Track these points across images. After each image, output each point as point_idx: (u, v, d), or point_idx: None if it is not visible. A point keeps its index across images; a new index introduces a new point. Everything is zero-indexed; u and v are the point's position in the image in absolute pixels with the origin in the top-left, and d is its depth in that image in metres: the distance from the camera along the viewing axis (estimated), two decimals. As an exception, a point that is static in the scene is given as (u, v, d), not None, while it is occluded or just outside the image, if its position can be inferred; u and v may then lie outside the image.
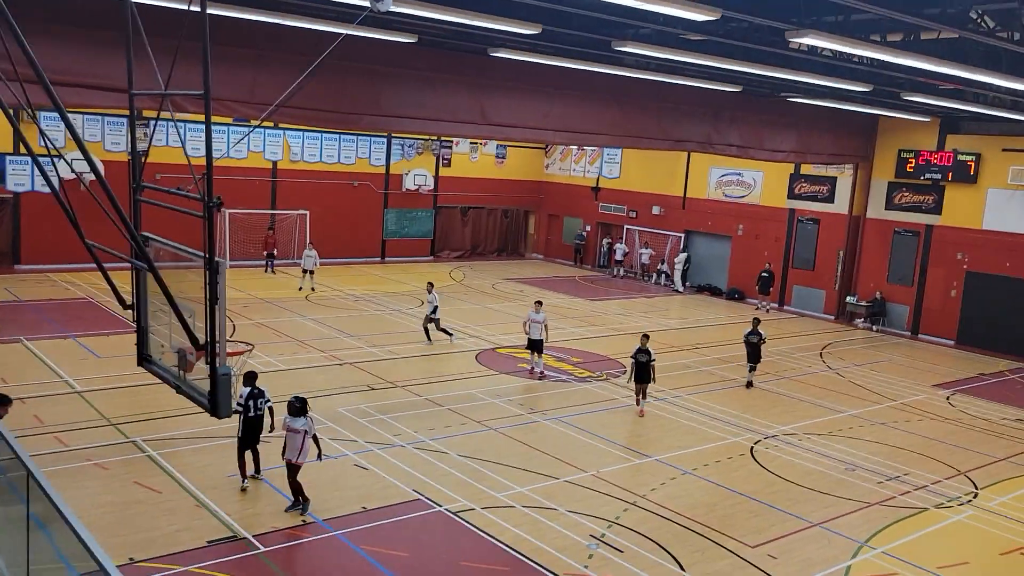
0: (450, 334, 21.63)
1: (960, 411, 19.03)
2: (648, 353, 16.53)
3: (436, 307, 21.15)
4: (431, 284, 21.76)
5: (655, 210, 35.54)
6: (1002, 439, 17.12)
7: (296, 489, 11.44)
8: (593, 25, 14.50)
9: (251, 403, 12.01)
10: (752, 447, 15.51)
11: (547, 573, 10.26)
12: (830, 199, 30.01)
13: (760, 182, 32.01)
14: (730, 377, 20.55)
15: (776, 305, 31.03)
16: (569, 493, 12.77)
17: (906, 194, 28.12)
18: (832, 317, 29.78)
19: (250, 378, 12.19)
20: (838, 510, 12.88)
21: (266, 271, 30.42)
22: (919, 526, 12.54)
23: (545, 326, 18.74)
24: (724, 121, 22.82)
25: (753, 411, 17.75)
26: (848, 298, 29.48)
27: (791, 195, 31.14)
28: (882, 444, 16.23)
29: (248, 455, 12.17)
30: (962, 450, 16.19)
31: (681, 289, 33.68)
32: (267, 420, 12.15)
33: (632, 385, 17.00)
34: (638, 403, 16.86)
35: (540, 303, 19.19)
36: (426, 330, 21.43)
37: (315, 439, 11.54)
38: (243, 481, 12.09)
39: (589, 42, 15.81)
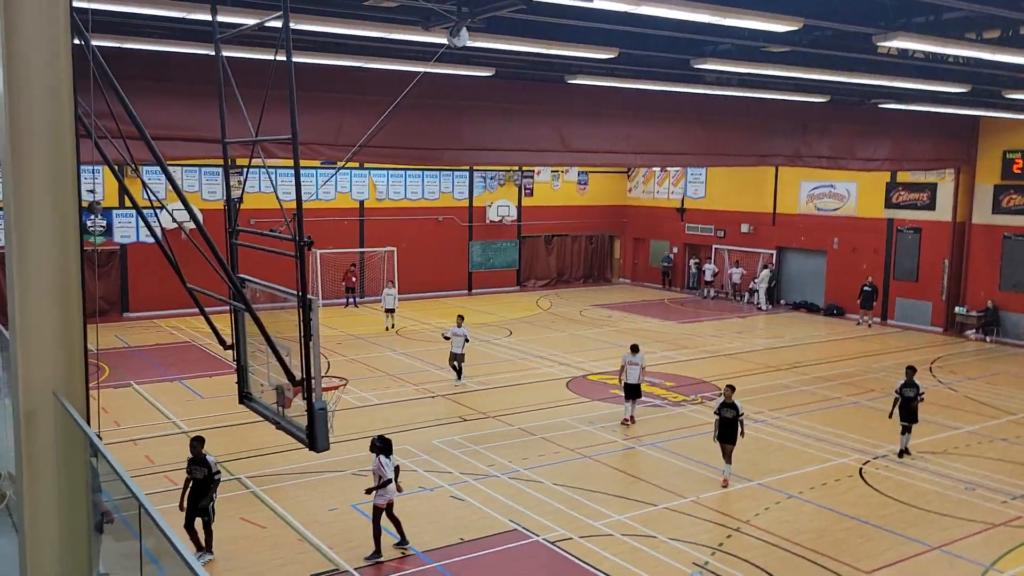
0: (459, 376, 20.20)
1: (1088, 424, 17.78)
2: (735, 408, 13.77)
3: (467, 340, 20.04)
4: (461, 317, 20.31)
5: (744, 228, 34.78)
6: None
7: (395, 525, 11.36)
8: (670, 44, 14.39)
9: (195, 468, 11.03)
10: (861, 468, 14.83)
11: (651, 604, 9.98)
12: (931, 206, 28.76)
13: (854, 193, 30.97)
14: (832, 396, 19.78)
15: (879, 320, 29.82)
16: (669, 520, 12.45)
17: (1014, 196, 26.72)
18: (940, 329, 28.41)
19: (197, 444, 11.24)
20: (959, 532, 12.14)
21: (346, 306, 31.07)
22: (1051, 548, 11.70)
23: (643, 370, 17.08)
24: (813, 132, 22.22)
25: (861, 431, 17.00)
26: (957, 309, 28.08)
27: (888, 204, 29.98)
28: (1004, 461, 15.28)
29: (198, 524, 11.01)
30: (1094, 465, 15.09)
31: (764, 307, 32.78)
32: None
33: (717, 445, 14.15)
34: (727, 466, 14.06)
35: (637, 347, 17.27)
36: (455, 368, 20.17)
37: (388, 481, 11.11)
38: (197, 554, 10.75)
39: (667, 62, 15.68)
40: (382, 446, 11.27)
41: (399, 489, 11.45)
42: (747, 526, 12.25)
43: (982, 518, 12.67)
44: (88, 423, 4.32)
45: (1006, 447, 16.12)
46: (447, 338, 20.39)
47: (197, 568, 3.01)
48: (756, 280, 33.40)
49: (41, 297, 4.26)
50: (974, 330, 27.36)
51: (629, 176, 40.01)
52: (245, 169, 22.93)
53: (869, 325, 29.10)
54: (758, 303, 33.07)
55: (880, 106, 22.08)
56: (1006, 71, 15.76)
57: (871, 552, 11.46)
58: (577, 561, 11.07)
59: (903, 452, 15.39)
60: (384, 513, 11.23)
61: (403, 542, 11.38)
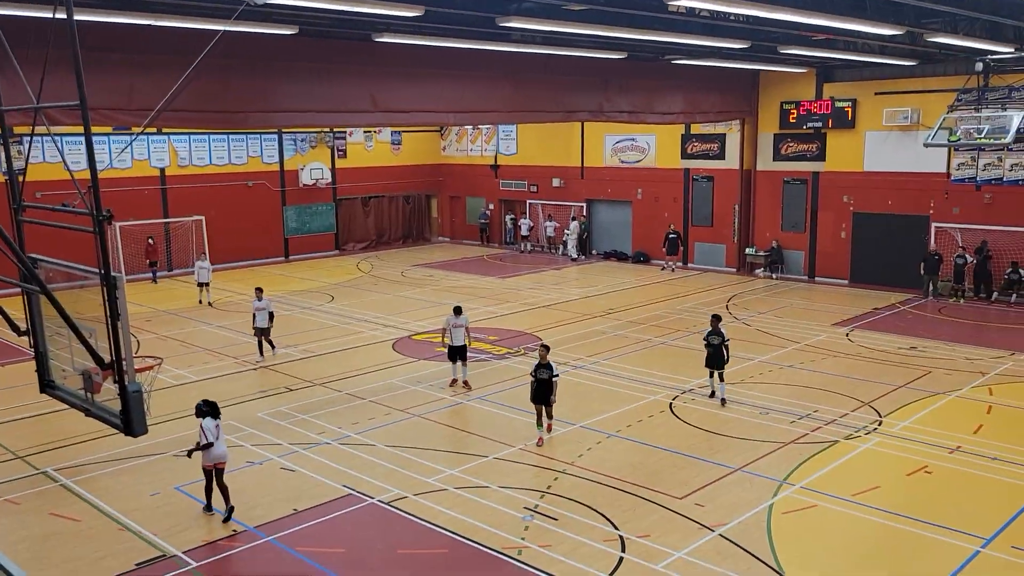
0: (265, 352, 19.39)
1: (859, 346, 20.05)
2: (550, 369, 13.89)
3: (272, 314, 19.08)
4: (260, 289, 19.40)
5: (555, 182, 35.91)
6: (899, 368, 18.13)
7: (223, 493, 11.38)
8: (476, 2, 14.51)
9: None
10: (671, 403, 15.99)
11: (485, 549, 10.39)
12: (721, 156, 30.93)
13: (654, 145, 32.71)
14: (643, 338, 21.07)
15: (680, 264, 31.89)
16: (499, 470, 12.92)
17: (791, 144, 29.23)
18: (734, 270, 30.82)
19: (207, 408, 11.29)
20: (756, 453, 13.44)
21: (154, 280, 29.44)
22: (832, 458, 13.21)
23: (467, 331, 17.01)
24: (614, 89, 23.22)
25: (668, 368, 18.27)
26: (747, 250, 30.54)
27: (684, 155, 31.94)
28: (791, 385, 16.98)
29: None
30: (865, 382, 17.08)
31: (576, 256, 34.21)
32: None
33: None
34: (539, 426, 14.16)
35: (460, 309, 17.19)
36: (259, 344, 19.21)
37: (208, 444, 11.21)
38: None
39: (474, 20, 15.81)
40: (208, 410, 11.21)
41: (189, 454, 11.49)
42: (572, 467, 12.95)
43: (775, 438, 14.08)
44: None
45: (792, 372, 17.90)
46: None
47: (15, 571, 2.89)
48: (568, 230, 34.70)
49: None
50: (762, 268, 29.92)
51: (442, 135, 40.09)
52: (27, 138, 20.96)
53: (672, 270, 31.07)
54: (568, 253, 34.41)
55: (673, 62, 23.39)
56: (780, 28, 17.13)
57: (683, 480, 12.46)
58: (413, 519, 11.30)
59: (719, 399, 15.79)
60: (215, 478, 11.26)
61: (228, 516, 11.25)
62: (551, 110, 22.10)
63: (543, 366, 13.88)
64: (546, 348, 14.23)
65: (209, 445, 11.12)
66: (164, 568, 10.05)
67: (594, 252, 35.02)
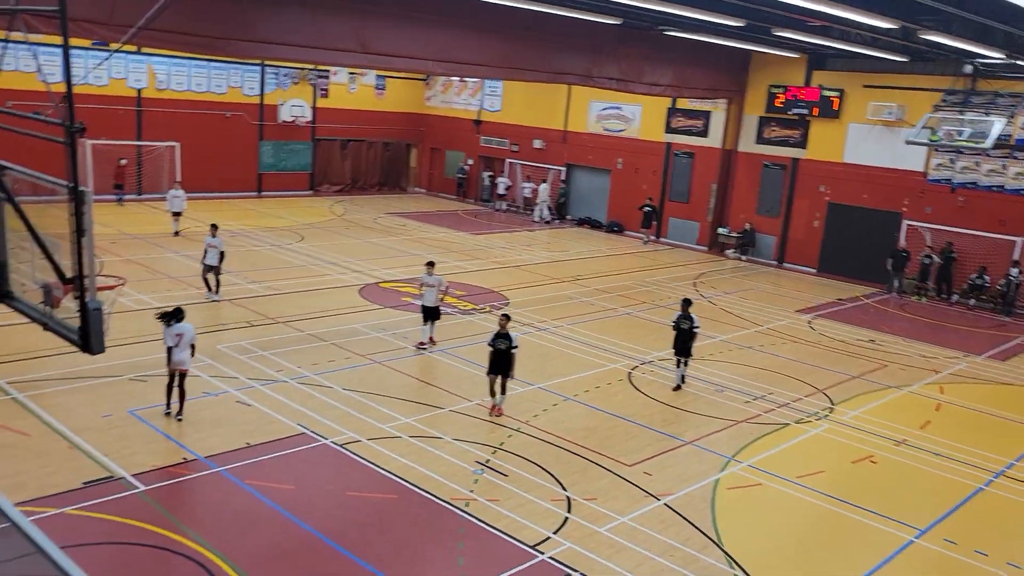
0: (214, 289, 18.66)
1: (820, 334, 20.37)
2: (509, 339, 13.32)
3: (223, 253, 18.50)
4: (215, 226, 18.92)
5: (536, 144, 35.74)
6: (856, 359, 18.48)
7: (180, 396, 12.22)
8: (474, -48, 14.27)
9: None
10: (630, 373, 16.17)
11: (433, 498, 10.50)
12: (704, 133, 30.95)
13: (639, 116, 32.62)
14: (609, 307, 21.21)
15: (654, 237, 32.03)
16: (455, 422, 13.02)
17: (775, 128, 29.32)
18: (705, 248, 31.03)
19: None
20: (708, 428, 13.67)
21: (119, 202, 28.87)
22: (781, 440, 13.49)
23: (443, 292, 16.66)
24: (604, 54, 23.03)
25: (630, 339, 18.44)
26: (720, 229, 30.75)
27: (668, 129, 31.91)
28: (749, 366, 17.23)
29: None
30: (821, 370, 17.39)
31: (546, 219, 34.22)
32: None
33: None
34: (493, 395, 13.52)
35: (432, 264, 16.74)
36: (206, 281, 18.61)
37: (192, 347, 12.26)
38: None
39: (470, -31, 15.55)
40: (170, 315, 12.02)
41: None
42: (526, 426, 13.09)
43: (728, 416, 14.32)
44: None
45: (751, 354, 18.16)
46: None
47: None
48: (540, 191, 34.67)
49: None
50: (733, 249, 30.16)
51: (428, 84, 39.59)
52: (1, 43, 20.36)
53: (645, 242, 31.22)
54: (542, 217, 34.40)
55: (666, 33, 23.24)
56: (777, 9, 17.07)
57: (634, 448, 12.65)
58: (365, 462, 11.37)
59: (678, 387, 15.33)
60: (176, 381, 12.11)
61: (178, 414, 12.14)
62: (539, 70, 21.88)
63: (502, 336, 13.27)
64: (506, 317, 13.52)
65: (169, 350, 11.98)
66: (111, 489, 10.03)
67: (568, 217, 35.02)
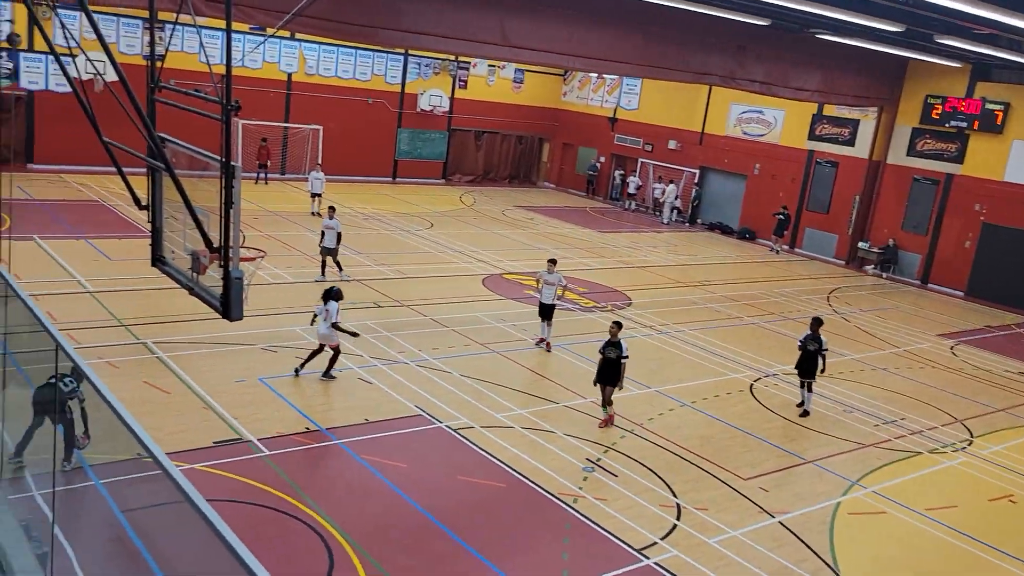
0: (338, 269, 19.05)
1: (963, 361, 19.14)
2: (619, 348, 12.56)
3: (340, 235, 18.86)
4: (333, 208, 19.43)
5: (671, 144, 35.14)
6: (1002, 390, 17.25)
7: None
8: (622, -53, 14.12)
9: None
10: (752, 384, 15.68)
11: (542, 491, 10.52)
12: (851, 142, 29.59)
13: (781, 121, 31.54)
14: (735, 315, 20.64)
15: (787, 247, 30.93)
16: (568, 418, 12.99)
17: (929, 141, 27.71)
18: (843, 262, 29.70)
19: None
20: (833, 449, 13.09)
21: (256, 182, 30.24)
22: (911, 469, 12.76)
23: (562, 289, 16.34)
24: (749, 56, 22.35)
25: (755, 350, 17.87)
26: (860, 244, 29.34)
27: (812, 136, 30.70)
28: (882, 389, 16.38)
29: None
30: (961, 399, 16.33)
31: (668, 221, 33.75)
32: None
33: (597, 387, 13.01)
34: (605, 407, 12.87)
35: (554, 261, 16.45)
36: (324, 262, 18.91)
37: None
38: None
39: (617, -35, 15.41)
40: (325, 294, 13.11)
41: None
42: (640, 429, 12.91)
43: (855, 438, 13.66)
44: (-2, 267, 4.23)
45: (884, 376, 17.26)
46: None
47: (127, 416, 3.06)
48: (667, 193, 34.14)
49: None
50: (873, 265, 28.72)
51: (565, 80, 39.61)
52: (168, 26, 21.72)
53: (777, 252, 30.19)
54: (661, 218, 33.99)
55: (817, 36, 22.33)
56: (941, 15, 16.09)
57: (751, 461, 12.26)
58: (477, 448, 11.51)
59: (806, 412, 14.34)
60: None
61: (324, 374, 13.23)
62: (681, 69, 21.45)
63: (612, 344, 12.57)
64: (618, 325, 12.82)
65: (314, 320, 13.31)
66: (238, 451, 10.56)
67: (699, 221, 34.30)
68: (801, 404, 14.63)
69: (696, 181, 34.30)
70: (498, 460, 11.23)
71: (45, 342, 5.84)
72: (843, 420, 14.43)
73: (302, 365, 13.19)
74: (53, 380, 8.19)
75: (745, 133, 32.76)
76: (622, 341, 12.64)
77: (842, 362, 17.76)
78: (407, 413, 12.38)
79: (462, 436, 11.85)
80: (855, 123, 29.42)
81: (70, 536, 6.52)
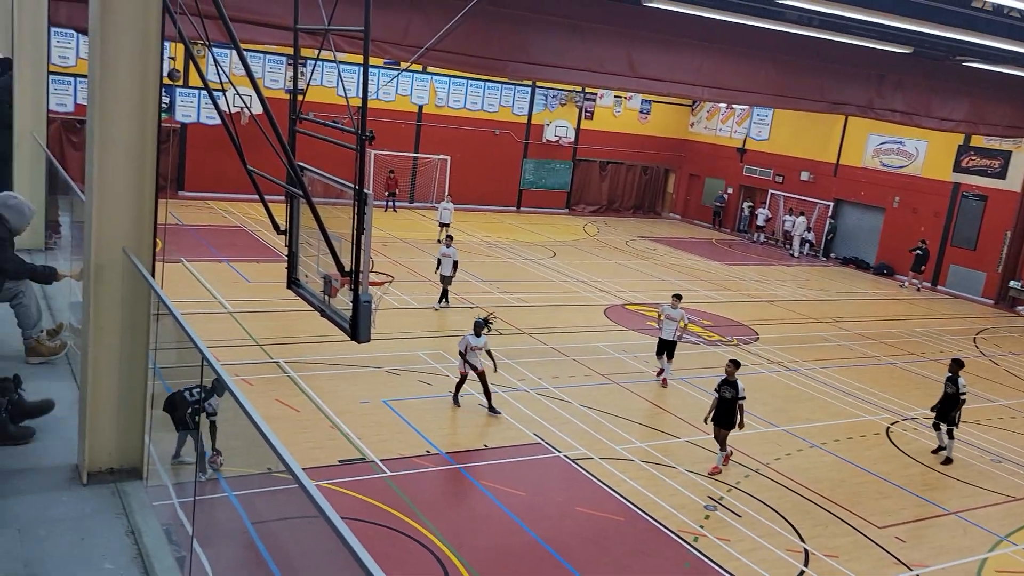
0: (445, 299, 19.26)
1: None
2: (735, 388, 11.88)
3: (456, 263, 19.00)
4: (450, 237, 19.62)
5: (804, 176, 34.04)
6: None
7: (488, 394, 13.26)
8: (755, -25, 13.90)
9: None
10: (888, 427, 14.85)
11: (661, 527, 10.27)
12: (1001, 175, 27.83)
13: (923, 152, 30.04)
14: (870, 354, 19.66)
15: (928, 284, 29.28)
16: (690, 453, 12.66)
17: (1089, 174, 25.72)
18: (991, 301, 27.83)
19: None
20: (978, 501, 12.19)
21: (385, 210, 31.08)
22: (1068, 528, 11.72)
23: (684, 323, 15.85)
24: (889, 84, 21.43)
25: (894, 391, 16.94)
26: (1012, 283, 27.43)
27: (957, 168, 29.07)
28: (1034, 438, 15.19)
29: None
30: None
31: (796, 255, 32.77)
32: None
33: (710, 427, 12.30)
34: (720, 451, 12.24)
35: (679, 297, 16.11)
36: (445, 292, 19.13)
37: (489, 353, 13.34)
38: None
39: (749, -7, 15.17)
40: (483, 324, 13.38)
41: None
42: (766, 468, 12.43)
43: (1004, 490, 12.68)
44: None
45: (1039, 425, 15.99)
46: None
47: (267, 431, 3.19)
48: (796, 225, 33.10)
49: (118, 159, 4.42)
50: (1026, 306, 26.80)
51: (693, 111, 39.16)
52: (310, 61, 22.91)
53: (918, 288, 28.63)
54: (791, 251, 32.92)
55: (964, 63, 21.20)
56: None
57: (887, 509, 11.58)
58: (595, 480, 11.37)
59: (948, 460, 13.51)
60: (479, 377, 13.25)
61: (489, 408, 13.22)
62: (815, 99, 20.79)
63: (728, 383, 11.93)
64: (735, 364, 12.08)
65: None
66: (361, 470, 10.84)
67: (833, 256, 32.99)
68: (940, 449, 13.74)
69: (830, 214, 33.06)
70: (616, 493, 11.05)
71: (191, 358, 6.20)
72: (991, 470, 13.43)
73: (456, 399, 13.49)
74: (183, 391, 8.61)
75: (884, 164, 31.38)
76: (739, 381, 11.94)
77: (990, 408, 16.58)
78: (526, 441, 12.39)
79: (580, 467, 11.74)
80: (1006, 155, 27.66)
81: (203, 543, 6.85)
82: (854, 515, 11.25)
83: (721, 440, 12.12)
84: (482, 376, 13.24)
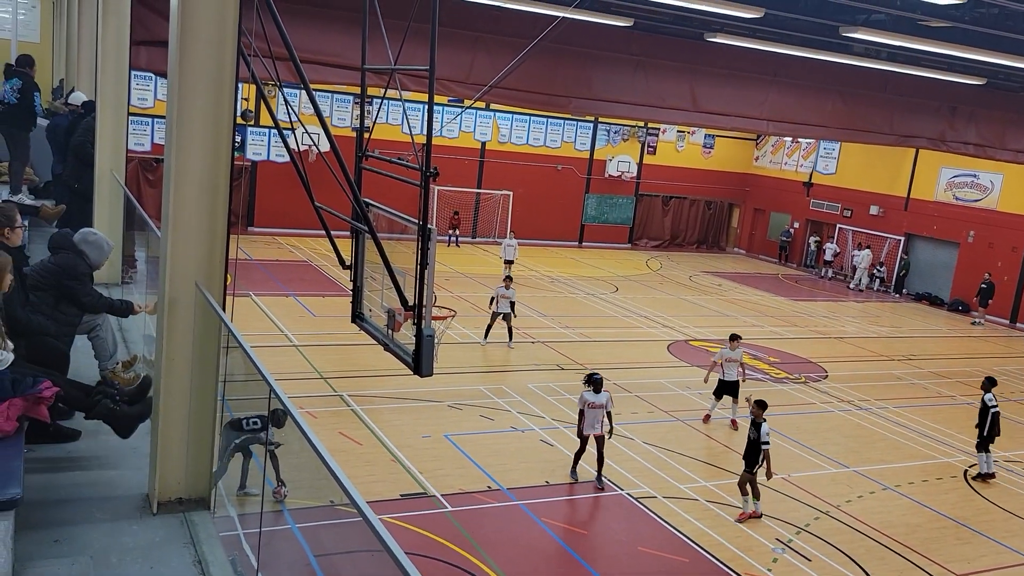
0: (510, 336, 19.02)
1: None
2: (758, 429, 11.41)
3: (514, 303, 18.73)
4: (509, 279, 19.44)
5: (873, 210, 33.28)
6: None
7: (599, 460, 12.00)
8: (819, 9, 13.79)
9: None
10: (966, 470, 14.25)
11: (727, 569, 9.99)
12: (1082, 208, 26.79)
13: (999, 185, 29.12)
14: (946, 394, 18.96)
15: (993, 319, 28.12)
16: (757, 494, 12.32)
17: None
18: (1074, 339, 26.67)
19: None
20: (1065, 550, 11.58)
21: (448, 244, 31.32)
22: None
23: (742, 366, 15.43)
24: (961, 117, 20.90)
25: (970, 432, 16.23)
26: (1095, 320, 26.27)
27: (1035, 201, 28.09)
28: (1125, 485, 14.38)
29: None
30: None
31: (852, 287, 32.25)
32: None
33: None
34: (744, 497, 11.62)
35: (737, 338, 15.53)
36: (510, 329, 18.88)
37: (609, 415, 11.98)
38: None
39: (814, 27, 15.03)
40: (599, 381, 11.93)
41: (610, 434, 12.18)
42: (836, 511, 12.03)
43: (1093, 539, 12.03)
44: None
45: None
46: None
47: (333, 466, 3.22)
48: (858, 257, 32.58)
49: (192, 195, 4.57)
50: (1113, 345, 25.59)
51: (758, 144, 38.77)
52: (377, 100, 23.45)
53: (981, 323, 27.66)
54: (855, 283, 32.30)
55: (1041, 94, 20.57)
56: None
57: (966, 555, 11.08)
58: (659, 520, 11.16)
59: (981, 476, 13.69)
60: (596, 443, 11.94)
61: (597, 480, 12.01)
62: (884, 132, 20.38)
63: (754, 424, 11.52)
64: (760, 405, 11.52)
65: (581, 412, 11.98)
66: (423, 504, 10.84)
67: (906, 292, 32.07)
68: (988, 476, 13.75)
69: (902, 249, 32.20)
70: (681, 533, 10.82)
71: (258, 390, 6.31)
72: (1078, 518, 12.75)
73: (574, 470, 12.32)
74: (242, 419, 8.70)
75: (957, 198, 30.50)
76: (765, 423, 11.37)
77: (1076, 452, 15.79)
78: (587, 478, 12.23)
79: (643, 505, 11.53)
80: (1088, 186, 26.64)
81: (268, 574, 6.91)
82: (931, 562, 10.78)
83: (742, 484, 11.49)
84: (599, 442, 11.89)
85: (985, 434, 13.73)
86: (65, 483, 5.22)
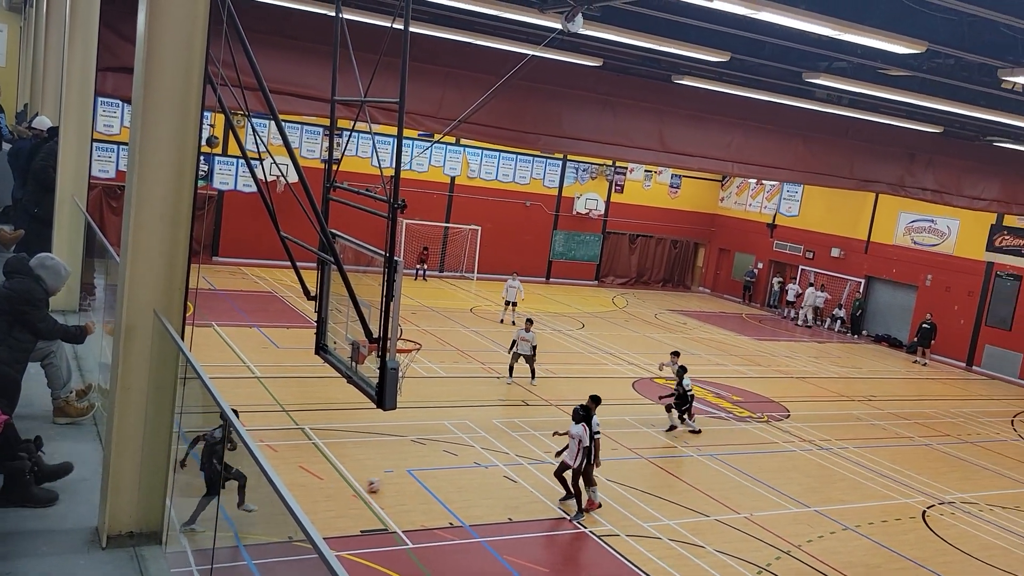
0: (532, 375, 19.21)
1: None
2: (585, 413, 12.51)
3: (535, 347, 18.96)
4: (530, 321, 19.90)
5: (834, 252, 33.88)
6: None
7: (575, 492, 12.21)
8: (784, 55, 14.09)
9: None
10: (924, 511, 14.38)
11: (689, 611, 9.93)
12: (1036, 254, 27.51)
13: (955, 231, 29.82)
14: (904, 434, 19.18)
15: (925, 362, 28.54)
16: (719, 532, 12.32)
17: None
18: (1028, 383, 27.21)
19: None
20: (1021, 592, 11.69)
21: (416, 278, 31.28)
22: (1118, 624, 11.17)
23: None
24: (919, 163, 21.44)
25: (929, 473, 16.46)
26: (1049, 364, 26.84)
27: (990, 247, 28.77)
28: (1079, 527, 14.60)
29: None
30: None
31: (808, 324, 32.96)
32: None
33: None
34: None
35: (677, 354, 17.92)
36: (533, 370, 19.10)
37: (590, 449, 12.11)
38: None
39: (779, 73, 15.37)
40: (584, 414, 12.17)
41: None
42: (797, 550, 12.04)
43: (1047, 581, 12.17)
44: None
45: (1084, 513, 15.39)
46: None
47: (287, 496, 3.15)
48: (810, 295, 33.29)
49: (153, 223, 4.51)
50: (1066, 389, 26.13)
51: (723, 185, 39.37)
52: (347, 132, 23.48)
53: (924, 364, 28.14)
54: (798, 320, 33.19)
55: (995, 144, 21.19)
56: None
57: (924, 597, 11.14)
58: (621, 558, 11.08)
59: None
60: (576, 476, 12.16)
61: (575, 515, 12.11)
62: (845, 176, 20.82)
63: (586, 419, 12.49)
64: (594, 400, 12.85)
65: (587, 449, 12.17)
66: (383, 541, 10.66)
67: (864, 333, 32.55)
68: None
69: (860, 291, 32.75)
70: (643, 572, 10.74)
71: (216, 422, 6.17)
72: (1033, 560, 12.90)
73: (578, 506, 12.32)
74: (205, 435, 8.43)
75: (915, 243, 31.18)
76: (596, 418, 12.44)
77: (1031, 494, 16.03)
78: (551, 515, 12.14)
79: (606, 543, 11.46)
80: (1041, 234, 27.39)
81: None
82: (891, 603, 10.82)
83: (587, 476, 12.34)
84: (574, 474, 12.15)
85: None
86: (11, 516, 5.05)
